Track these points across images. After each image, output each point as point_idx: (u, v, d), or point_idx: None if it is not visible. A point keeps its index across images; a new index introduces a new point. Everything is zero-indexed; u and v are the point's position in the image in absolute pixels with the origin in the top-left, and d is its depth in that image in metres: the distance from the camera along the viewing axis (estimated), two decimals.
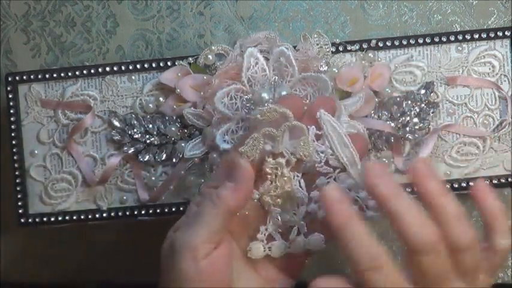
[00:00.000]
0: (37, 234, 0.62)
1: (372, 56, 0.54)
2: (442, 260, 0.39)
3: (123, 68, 0.56)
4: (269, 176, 0.44)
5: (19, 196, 0.57)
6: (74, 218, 0.56)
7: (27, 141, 0.57)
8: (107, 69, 0.56)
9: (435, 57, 0.54)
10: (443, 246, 0.39)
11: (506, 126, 0.54)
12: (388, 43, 0.54)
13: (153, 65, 0.55)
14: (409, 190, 0.54)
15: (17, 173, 0.57)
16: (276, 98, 0.50)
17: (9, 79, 0.56)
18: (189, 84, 0.54)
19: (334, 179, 0.44)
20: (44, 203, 0.57)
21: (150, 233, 0.61)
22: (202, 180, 0.54)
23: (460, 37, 0.54)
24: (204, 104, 0.53)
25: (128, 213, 0.56)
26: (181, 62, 0.55)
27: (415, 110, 0.54)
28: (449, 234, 0.39)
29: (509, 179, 0.54)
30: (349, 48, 0.54)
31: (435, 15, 0.58)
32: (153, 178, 0.55)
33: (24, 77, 0.56)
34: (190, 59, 0.55)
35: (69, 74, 0.56)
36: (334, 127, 0.44)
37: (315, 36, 0.54)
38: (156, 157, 0.55)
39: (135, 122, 0.55)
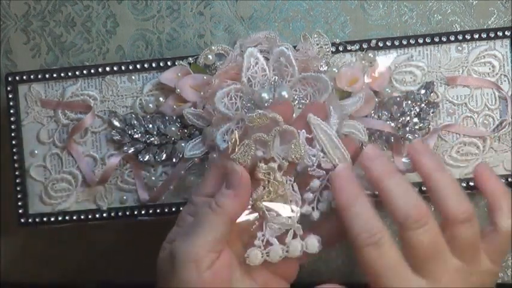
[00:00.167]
0: (37, 234, 0.62)
1: (371, 56, 0.54)
2: (434, 234, 0.39)
3: (123, 68, 0.56)
4: (262, 182, 0.44)
5: (19, 196, 0.57)
6: (74, 218, 0.56)
7: (27, 141, 0.57)
8: (107, 69, 0.56)
9: (435, 57, 0.54)
10: (436, 221, 0.39)
11: (506, 126, 0.54)
12: (388, 43, 0.54)
13: (153, 65, 0.55)
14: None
15: (17, 173, 0.57)
16: (276, 98, 0.51)
17: (9, 79, 0.56)
18: (189, 84, 0.54)
19: (328, 181, 0.44)
20: (44, 203, 0.57)
21: (150, 233, 0.61)
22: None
23: (460, 37, 0.54)
24: (204, 104, 0.53)
25: (128, 213, 0.56)
26: (181, 62, 0.55)
27: (415, 110, 0.54)
28: (445, 207, 0.39)
29: (509, 179, 0.54)
30: (349, 48, 0.54)
31: (435, 15, 0.58)
32: (153, 178, 0.55)
33: (24, 77, 0.56)
34: (190, 59, 0.55)
35: (69, 74, 0.56)
36: (324, 130, 0.44)
37: (315, 36, 0.54)
38: (156, 157, 0.55)
39: (135, 122, 0.55)
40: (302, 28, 0.59)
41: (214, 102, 0.50)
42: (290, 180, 0.44)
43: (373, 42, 0.54)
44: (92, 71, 0.56)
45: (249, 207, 0.44)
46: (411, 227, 0.39)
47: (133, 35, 0.60)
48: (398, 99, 0.54)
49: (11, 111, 0.56)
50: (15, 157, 0.57)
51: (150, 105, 0.55)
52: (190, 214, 0.44)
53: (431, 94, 0.54)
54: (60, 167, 0.57)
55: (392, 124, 0.53)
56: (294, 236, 0.44)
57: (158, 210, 0.56)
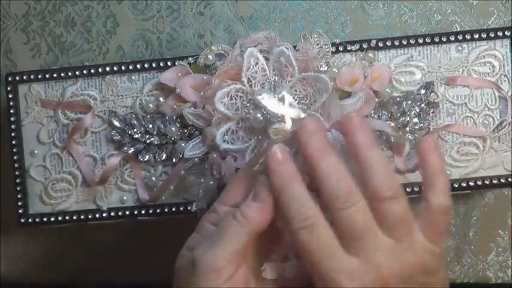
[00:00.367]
0: (37, 234, 0.62)
1: (371, 56, 0.54)
2: (363, 213, 0.39)
3: (123, 68, 0.56)
4: None
5: (19, 196, 0.57)
6: (74, 218, 0.56)
7: (27, 141, 0.57)
8: (107, 69, 0.56)
9: (435, 57, 0.54)
10: (365, 200, 0.39)
11: (506, 126, 0.54)
12: (388, 43, 0.54)
13: (153, 65, 0.55)
14: (409, 190, 0.54)
15: (17, 173, 0.57)
16: (275, 97, 0.50)
17: (9, 79, 0.56)
18: (189, 84, 0.54)
19: None
20: (44, 203, 0.57)
21: (150, 233, 0.61)
22: (202, 180, 0.54)
23: (460, 37, 0.54)
24: (204, 104, 0.53)
25: (127, 213, 0.56)
26: (181, 62, 0.55)
27: (415, 110, 0.54)
28: (372, 184, 0.39)
29: (509, 179, 0.54)
30: (349, 48, 0.54)
31: (435, 15, 0.58)
32: (153, 178, 0.55)
33: (24, 77, 0.56)
34: (190, 59, 0.55)
35: (69, 74, 0.56)
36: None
37: (315, 36, 0.54)
38: (156, 157, 0.55)
39: (135, 122, 0.55)
40: (302, 28, 0.59)
41: (214, 102, 0.50)
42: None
43: (373, 42, 0.54)
44: (92, 71, 0.56)
45: None
46: (340, 206, 0.39)
47: (133, 35, 0.60)
48: (398, 99, 0.54)
49: (11, 111, 0.56)
50: (15, 157, 0.57)
51: (150, 105, 0.55)
52: (211, 223, 0.44)
53: (431, 94, 0.54)
54: (60, 167, 0.57)
55: (392, 124, 0.53)
56: None
57: (158, 210, 0.56)
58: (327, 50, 0.54)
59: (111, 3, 0.60)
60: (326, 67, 0.53)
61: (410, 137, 0.54)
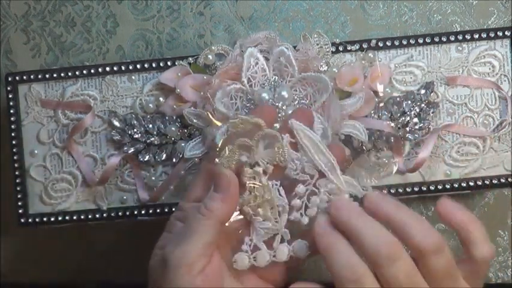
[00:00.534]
0: (37, 234, 0.62)
1: (371, 56, 0.54)
2: (408, 268, 0.39)
3: (123, 68, 0.56)
4: (247, 186, 0.44)
5: (19, 196, 0.57)
6: (74, 218, 0.56)
7: (27, 141, 0.57)
8: (107, 69, 0.56)
9: (435, 57, 0.54)
10: (408, 254, 0.39)
11: (506, 126, 0.54)
12: (388, 43, 0.54)
13: (153, 65, 0.55)
14: (409, 190, 0.54)
15: (17, 173, 0.57)
16: (276, 97, 0.51)
17: (9, 79, 0.56)
18: (189, 84, 0.54)
19: (314, 185, 0.44)
20: (44, 203, 0.57)
21: (150, 233, 0.61)
22: None
23: (460, 37, 0.54)
24: (204, 104, 0.53)
25: (127, 213, 0.56)
26: (181, 62, 0.55)
27: (415, 110, 0.54)
28: (413, 241, 0.39)
29: (509, 179, 0.54)
30: (349, 48, 0.54)
31: (435, 15, 0.58)
32: (153, 178, 0.55)
33: (24, 77, 0.56)
34: (190, 59, 0.55)
35: (69, 74, 0.56)
36: (308, 135, 0.44)
37: (315, 36, 0.54)
38: (156, 157, 0.55)
39: (135, 122, 0.55)
40: (302, 28, 0.59)
41: (214, 102, 0.50)
42: (276, 185, 0.44)
43: (373, 42, 0.54)
44: (92, 71, 0.56)
45: (237, 212, 0.44)
46: (384, 263, 0.38)
47: (133, 35, 0.60)
48: (398, 99, 0.54)
49: (11, 111, 0.56)
50: (15, 157, 0.57)
51: (150, 105, 0.55)
52: (179, 220, 0.44)
53: (431, 94, 0.54)
54: (60, 167, 0.57)
55: (392, 124, 0.53)
56: (282, 241, 0.44)
57: (158, 210, 0.56)
58: (327, 50, 0.54)
59: (111, 3, 0.60)
60: (326, 67, 0.53)
61: (410, 137, 0.54)
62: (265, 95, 0.50)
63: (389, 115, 0.54)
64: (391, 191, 0.54)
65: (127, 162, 0.56)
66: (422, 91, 0.54)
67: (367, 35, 0.58)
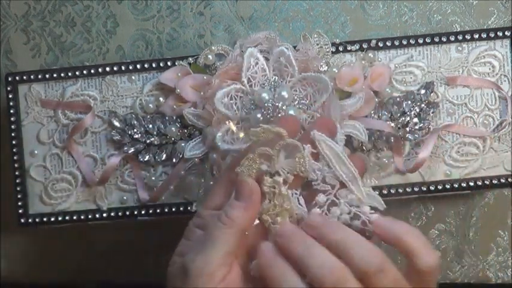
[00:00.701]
0: (37, 234, 0.62)
1: (371, 56, 0.54)
2: (392, 278, 0.38)
3: (123, 68, 0.56)
4: (267, 195, 0.44)
5: (19, 196, 0.57)
6: (74, 218, 0.56)
7: (27, 141, 0.57)
8: (107, 69, 0.56)
9: (435, 57, 0.54)
10: (352, 279, 0.38)
11: (506, 126, 0.54)
12: (388, 43, 0.54)
13: (153, 65, 0.55)
14: (409, 190, 0.54)
15: (17, 173, 0.57)
16: (276, 97, 0.50)
17: (9, 79, 0.56)
18: (189, 84, 0.54)
19: (335, 196, 0.44)
20: (44, 203, 0.57)
21: (150, 233, 0.61)
22: (203, 180, 0.54)
23: (460, 37, 0.54)
24: (204, 104, 0.53)
25: (127, 213, 0.56)
26: (181, 62, 0.55)
27: (415, 110, 0.54)
28: (354, 261, 0.39)
29: (509, 179, 0.54)
30: (349, 48, 0.54)
31: (435, 15, 0.58)
32: (153, 178, 0.55)
33: (24, 77, 0.56)
34: (190, 59, 0.55)
35: (69, 74, 0.56)
36: (330, 146, 0.44)
37: (315, 36, 0.54)
38: (156, 157, 0.55)
39: (135, 122, 0.55)
40: (302, 28, 0.59)
41: (214, 102, 0.50)
42: (296, 194, 0.44)
43: (373, 42, 0.54)
44: (92, 71, 0.56)
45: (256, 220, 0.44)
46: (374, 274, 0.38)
47: (133, 35, 0.60)
48: (398, 99, 0.54)
49: (11, 111, 0.56)
50: (15, 157, 0.57)
51: (150, 105, 0.55)
52: (199, 227, 0.44)
53: (431, 94, 0.54)
54: (60, 167, 0.57)
55: (392, 124, 0.53)
56: None
57: (158, 210, 0.56)
58: (327, 50, 0.54)
59: (111, 3, 0.60)
60: (326, 67, 0.53)
61: (410, 137, 0.54)
62: (265, 95, 0.50)
63: (389, 115, 0.54)
64: (391, 191, 0.54)
65: (127, 162, 0.56)
66: (422, 91, 0.54)
67: (367, 35, 0.58)
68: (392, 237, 0.40)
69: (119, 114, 0.56)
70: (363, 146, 0.54)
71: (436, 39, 0.54)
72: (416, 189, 0.54)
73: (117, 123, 0.55)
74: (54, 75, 0.56)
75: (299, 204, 0.44)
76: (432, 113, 0.54)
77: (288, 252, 0.40)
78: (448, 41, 0.54)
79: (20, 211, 0.57)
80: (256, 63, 0.51)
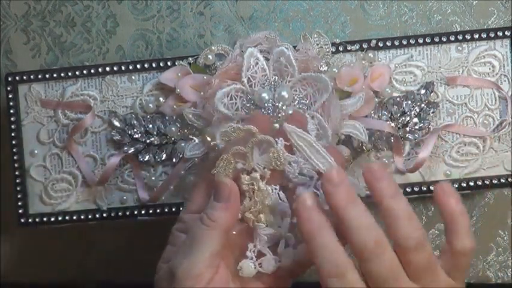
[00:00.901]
0: (37, 234, 0.62)
1: (372, 56, 0.54)
2: (389, 262, 0.39)
3: (123, 68, 0.56)
4: (247, 193, 0.44)
5: (19, 196, 0.57)
6: (74, 218, 0.56)
7: (27, 141, 0.57)
8: (107, 69, 0.56)
9: (435, 57, 0.54)
10: (389, 249, 0.39)
11: (506, 126, 0.54)
12: (388, 43, 0.54)
13: (153, 65, 0.55)
14: (409, 190, 0.54)
15: (17, 173, 0.57)
16: (276, 97, 0.50)
17: (9, 79, 0.56)
18: (189, 84, 0.54)
19: (315, 187, 0.44)
20: (44, 203, 0.57)
21: (150, 233, 0.61)
22: None
23: (460, 37, 0.54)
24: (204, 104, 0.53)
25: (127, 213, 0.56)
26: (181, 62, 0.55)
27: (415, 110, 0.54)
28: (397, 235, 0.39)
29: (509, 179, 0.54)
30: (349, 48, 0.54)
31: (435, 15, 0.58)
32: (153, 178, 0.55)
33: (24, 77, 0.56)
34: (190, 59, 0.55)
35: (69, 74, 0.56)
36: (302, 136, 0.44)
37: (315, 36, 0.54)
38: (156, 157, 0.55)
39: (135, 122, 0.55)
40: (302, 28, 0.59)
41: (214, 102, 0.50)
42: (276, 189, 0.44)
43: (373, 42, 0.54)
44: (92, 71, 0.56)
45: (238, 220, 0.44)
46: (369, 256, 0.39)
47: (133, 35, 0.60)
48: (398, 99, 0.54)
49: (11, 111, 0.56)
50: (15, 157, 0.57)
51: (150, 105, 0.55)
52: (182, 231, 0.44)
53: (431, 94, 0.54)
54: (60, 167, 0.57)
55: (392, 124, 0.53)
56: (286, 246, 0.44)
57: (158, 210, 0.56)
58: (327, 50, 0.54)
59: (111, 3, 0.60)
60: (326, 67, 0.53)
61: (410, 137, 0.54)
62: (265, 95, 0.50)
63: (389, 115, 0.54)
64: None
65: (127, 162, 0.56)
66: (422, 91, 0.54)
67: (367, 35, 0.58)
68: (449, 209, 0.41)
69: (119, 114, 0.56)
70: (363, 146, 0.54)
71: (436, 39, 0.54)
72: (416, 189, 0.54)
73: (117, 123, 0.55)
74: (54, 75, 0.56)
75: (280, 199, 0.44)
76: (432, 113, 0.54)
77: (335, 208, 0.39)
78: (448, 41, 0.54)
79: (20, 211, 0.57)
80: (256, 63, 0.51)
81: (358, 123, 0.52)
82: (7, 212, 0.61)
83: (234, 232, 0.44)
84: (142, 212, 0.56)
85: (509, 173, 0.54)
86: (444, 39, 0.54)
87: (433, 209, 0.61)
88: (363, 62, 0.54)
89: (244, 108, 0.51)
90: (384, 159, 0.54)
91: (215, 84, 0.52)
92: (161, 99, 0.55)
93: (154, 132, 0.55)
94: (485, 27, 0.57)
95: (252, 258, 0.44)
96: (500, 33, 0.54)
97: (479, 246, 0.61)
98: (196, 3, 0.59)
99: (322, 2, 0.59)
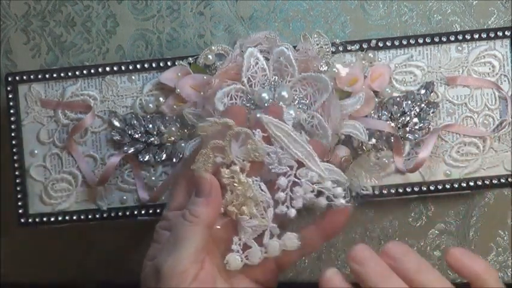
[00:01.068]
0: (37, 234, 0.62)
1: (371, 56, 0.54)
2: None
3: (123, 68, 0.56)
4: (228, 187, 0.44)
5: (19, 196, 0.57)
6: (74, 218, 0.56)
7: (27, 141, 0.57)
8: (107, 69, 0.56)
9: (435, 57, 0.54)
10: None
11: (506, 126, 0.54)
12: (388, 43, 0.54)
13: (153, 65, 0.55)
14: (409, 190, 0.54)
15: (17, 173, 0.57)
16: (276, 97, 0.50)
17: (9, 79, 0.56)
18: (189, 84, 0.54)
19: (295, 176, 0.44)
20: (44, 203, 0.57)
21: (150, 233, 0.61)
22: None
23: (460, 37, 0.54)
24: (204, 104, 0.53)
25: (127, 213, 0.56)
26: (181, 62, 0.55)
27: (415, 110, 0.54)
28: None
29: (509, 179, 0.54)
30: (349, 48, 0.54)
31: (435, 15, 0.58)
32: (153, 178, 0.55)
33: (24, 77, 0.56)
34: (190, 59, 0.55)
35: (69, 74, 0.56)
36: (279, 126, 0.44)
37: (315, 36, 0.54)
38: (156, 157, 0.55)
39: (135, 122, 0.55)
40: (302, 28, 0.59)
41: (214, 102, 0.50)
42: (256, 181, 0.44)
43: (373, 42, 0.54)
44: (92, 71, 0.56)
45: (221, 214, 0.44)
46: None
47: (133, 35, 0.60)
48: (398, 99, 0.54)
49: (11, 111, 0.56)
50: (15, 157, 0.57)
51: (150, 105, 0.55)
52: (165, 229, 0.44)
53: (431, 94, 0.54)
54: (60, 167, 0.57)
55: (393, 124, 0.53)
56: (271, 237, 0.44)
57: (158, 210, 0.56)
58: (327, 50, 0.54)
59: (111, 3, 0.60)
60: (326, 67, 0.53)
61: (410, 137, 0.54)
62: (265, 95, 0.50)
63: (389, 115, 0.54)
64: (391, 191, 0.54)
65: (127, 162, 0.56)
66: (422, 91, 0.54)
67: (367, 35, 0.58)
68: (471, 273, 0.39)
69: (119, 114, 0.56)
70: (363, 146, 0.54)
71: (436, 39, 0.54)
72: (416, 189, 0.54)
73: (117, 123, 0.55)
74: (54, 75, 0.56)
75: (261, 190, 0.44)
76: (432, 113, 0.54)
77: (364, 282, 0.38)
78: (448, 41, 0.54)
79: (20, 211, 0.57)
80: (256, 63, 0.51)
81: (358, 123, 0.52)
82: (7, 212, 0.61)
83: (218, 227, 0.44)
84: (142, 212, 0.56)
85: (509, 173, 0.54)
86: (444, 39, 0.54)
87: (433, 208, 0.61)
88: (363, 62, 0.54)
89: (244, 108, 0.51)
90: (384, 159, 0.54)
91: (215, 84, 0.52)
92: (161, 99, 0.55)
93: (154, 132, 0.55)
94: (485, 27, 0.57)
95: (238, 251, 0.44)
96: (500, 33, 0.54)
97: (479, 246, 0.61)
98: (196, 3, 0.59)
99: (322, 2, 0.59)
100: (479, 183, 0.54)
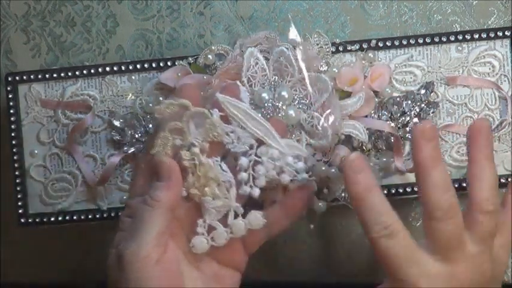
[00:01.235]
0: (37, 234, 0.62)
1: (372, 56, 0.54)
2: (456, 226, 0.40)
3: (123, 68, 0.56)
4: (189, 169, 0.44)
5: (19, 196, 0.57)
6: (74, 218, 0.56)
7: (27, 141, 0.57)
8: (107, 69, 0.56)
9: (435, 57, 0.54)
10: (461, 214, 0.41)
11: (506, 126, 0.54)
12: (388, 43, 0.54)
13: (153, 65, 0.55)
14: (409, 190, 0.54)
15: (17, 173, 0.57)
16: (276, 97, 0.50)
17: (9, 79, 0.56)
18: None
19: (256, 155, 0.44)
20: (44, 203, 0.57)
21: None
22: None
23: (460, 37, 0.54)
24: (204, 104, 0.53)
25: None
26: (181, 62, 0.55)
27: (415, 110, 0.54)
28: (477, 194, 0.41)
29: (509, 179, 0.54)
30: (349, 48, 0.54)
31: (435, 15, 0.58)
32: None
33: (24, 77, 0.56)
34: (190, 59, 0.55)
35: (69, 74, 0.56)
36: (235, 105, 0.44)
37: (315, 36, 0.54)
38: None
39: (135, 122, 0.55)
40: (302, 28, 0.59)
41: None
42: (217, 161, 0.44)
43: (373, 42, 0.54)
44: (92, 71, 0.56)
45: (184, 197, 0.44)
46: (440, 217, 0.40)
47: (133, 35, 0.60)
48: (398, 99, 0.54)
49: (11, 111, 0.56)
50: (15, 157, 0.57)
51: (150, 105, 0.55)
52: (128, 216, 0.44)
53: (431, 94, 0.54)
54: (60, 167, 0.57)
55: (392, 124, 0.53)
56: (236, 216, 0.44)
57: None
58: (327, 50, 0.54)
59: (111, 3, 0.60)
60: (326, 67, 0.53)
61: (410, 137, 0.54)
62: (265, 95, 0.50)
63: (389, 115, 0.54)
64: (391, 191, 0.54)
65: (127, 162, 0.56)
66: (422, 91, 0.54)
67: (367, 35, 0.58)
68: (476, 178, 0.43)
69: (119, 114, 0.56)
70: (363, 146, 0.54)
71: (436, 39, 0.54)
72: (416, 189, 0.54)
73: (117, 123, 0.55)
74: (54, 75, 0.56)
75: (222, 170, 0.44)
76: (432, 113, 0.54)
77: (415, 154, 0.41)
78: (448, 41, 0.54)
79: (20, 211, 0.57)
80: (256, 63, 0.51)
81: (358, 123, 0.52)
82: (7, 212, 0.61)
83: (182, 211, 0.44)
84: None
85: (509, 173, 0.54)
86: (444, 39, 0.54)
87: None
88: (363, 62, 0.54)
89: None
90: (384, 159, 0.54)
91: (215, 84, 0.52)
92: (161, 99, 0.55)
93: None
94: (485, 27, 0.57)
95: (203, 234, 0.44)
96: (500, 33, 0.54)
97: None
98: (196, 3, 0.59)
99: (322, 2, 0.59)
100: None
